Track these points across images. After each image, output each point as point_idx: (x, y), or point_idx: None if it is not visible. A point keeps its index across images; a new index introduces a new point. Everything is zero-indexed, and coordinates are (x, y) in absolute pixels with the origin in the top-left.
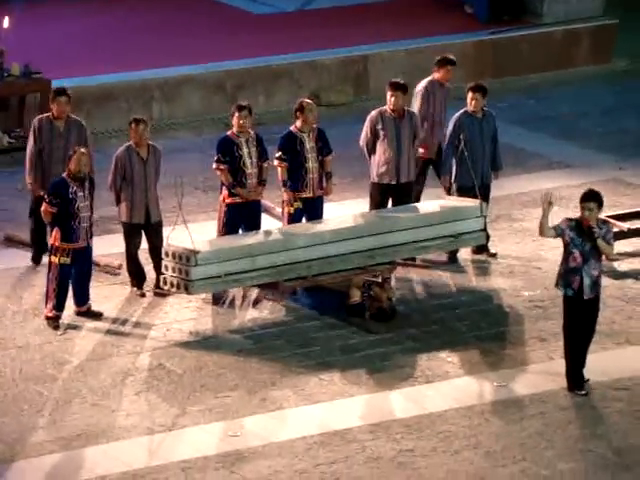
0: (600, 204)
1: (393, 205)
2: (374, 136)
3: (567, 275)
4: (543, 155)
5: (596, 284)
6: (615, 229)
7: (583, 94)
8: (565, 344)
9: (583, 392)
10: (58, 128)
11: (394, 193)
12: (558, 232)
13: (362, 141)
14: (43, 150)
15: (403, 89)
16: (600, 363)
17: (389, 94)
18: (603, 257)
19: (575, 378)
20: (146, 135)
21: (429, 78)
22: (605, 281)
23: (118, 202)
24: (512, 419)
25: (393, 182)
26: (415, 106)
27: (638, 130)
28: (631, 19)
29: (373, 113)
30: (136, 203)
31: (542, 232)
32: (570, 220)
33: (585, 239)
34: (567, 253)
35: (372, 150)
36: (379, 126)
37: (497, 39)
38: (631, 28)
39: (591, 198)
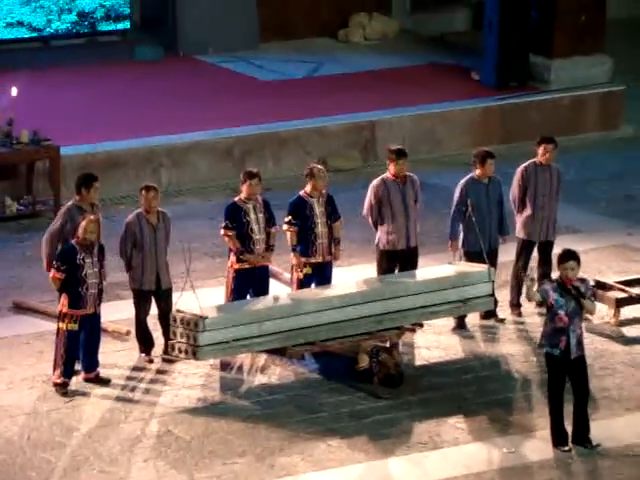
0: (579, 262)
1: (400, 270)
2: (378, 204)
3: (553, 335)
4: None
5: (580, 342)
6: (624, 295)
7: (591, 160)
8: (549, 402)
9: (566, 448)
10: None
11: (402, 258)
12: (543, 295)
13: (366, 211)
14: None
15: (405, 155)
16: (610, 429)
17: (391, 161)
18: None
19: (559, 434)
20: (156, 202)
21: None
22: (614, 347)
23: (129, 269)
24: None
25: (404, 248)
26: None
27: None
28: (639, 86)
29: (376, 182)
30: (147, 270)
31: (529, 298)
32: (552, 282)
33: (568, 299)
34: (552, 314)
35: (378, 218)
36: (385, 194)
37: (504, 105)
38: (639, 95)
39: (570, 257)
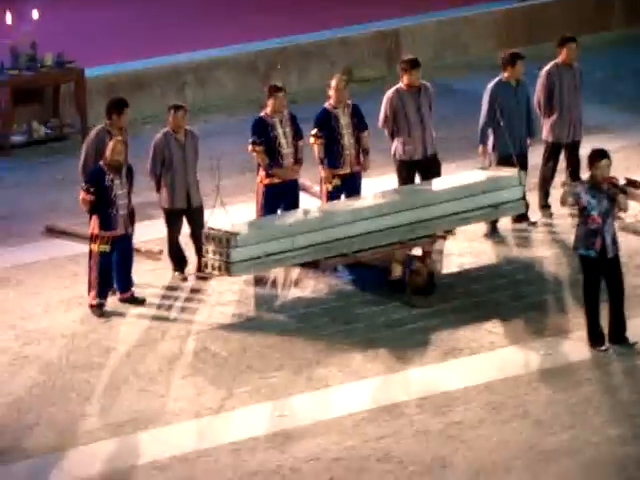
0: (610, 160)
1: (421, 180)
2: (394, 115)
3: (587, 237)
4: None
5: (615, 241)
6: None
7: (617, 57)
8: (585, 303)
9: (604, 348)
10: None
11: (422, 168)
12: (575, 197)
13: (381, 122)
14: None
15: (417, 65)
16: None
17: (404, 72)
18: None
19: (596, 334)
20: (185, 122)
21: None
22: None
23: (158, 188)
24: (559, 387)
25: (421, 158)
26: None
27: None
28: None
29: (390, 93)
30: (177, 188)
31: (563, 203)
32: (583, 183)
33: (601, 199)
34: (585, 216)
35: (393, 129)
36: (399, 105)
37: (527, 6)
38: None
39: (603, 155)
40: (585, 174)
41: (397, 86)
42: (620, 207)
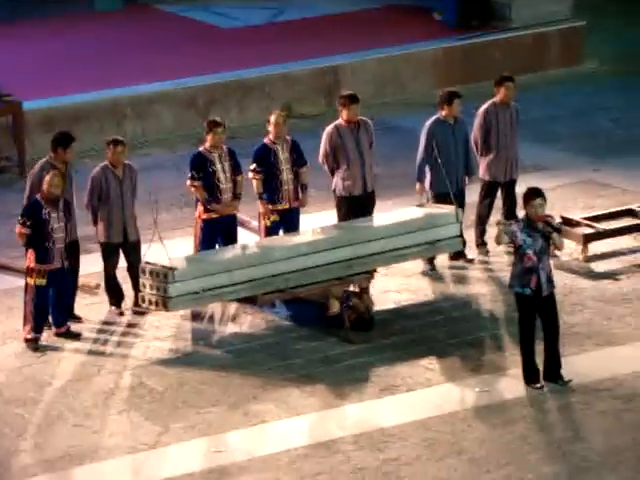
0: (545, 199)
1: (358, 216)
2: (333, 151)
3: (523, 275)
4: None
5: (550, 279)
6: (591, 230)
7: (554, 97)
8: (521, 340)
9: (539, 385)
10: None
11: (361, 204)
12: (510, 236)
13: (321, 157)
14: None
15: (356, 101)
16: (581, 365)
17: (343, 107)
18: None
19: (531, 371)
20: (124, 157)
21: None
22: (583, 283)
23: (95, 222)
24: (495, 424)
25: (361, 193)
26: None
27: (609, 132)
28: (599, 21)
29: (329, 129)
30: (114, 222)
31: (498, 242)
32: (518, 221)
33: (536, 238)
34: (520, 254)
35: (333, 165)
36: (338, 141)
37: (467, 45)
38: (599, 30)
39: (539, 194)
40: (521, 212)
41: (336, 122)
42: (555, 245)
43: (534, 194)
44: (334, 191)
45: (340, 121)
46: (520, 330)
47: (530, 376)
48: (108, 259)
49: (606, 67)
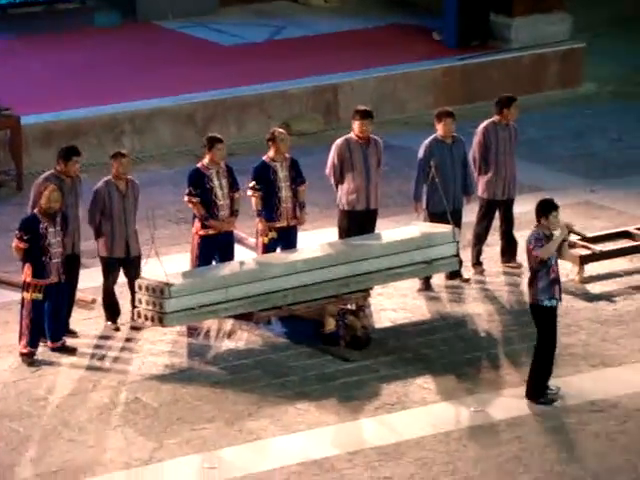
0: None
1: (358, 232)
2: (341, 164)
3: (550, 287)
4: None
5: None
6: (587, 252)
7: (552, 118)
8: (546, 355)
9: (554, 389)
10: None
11: (362, 220)
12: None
13: (328, 170)
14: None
15: (370, 116)
16: (576, 385)
17: (355, 121)
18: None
19: (544, 388)
20: (129, 168)
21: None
22: (579, 304)
23: (97, 236)
24: (489, 444)
25: (363, 209)
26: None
27: (607, 153)
28: (598, 43)
29: (339, 141)
30: (116, 237)
31: (563, 257)
32: (540, 238)
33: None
34: (548, 267)
35: (339, 178)
36: (347, 154)
37: (466, 65)
38: (598, 52)
39: (555, 207)
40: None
41: (347, 135)
42: (561, 252)
43: (552, 207)
44: (338, 205)
45: (351, 135)
46: (547, 344)
47: (543, 390)
48: (109, 274)
49: (605, 89)
